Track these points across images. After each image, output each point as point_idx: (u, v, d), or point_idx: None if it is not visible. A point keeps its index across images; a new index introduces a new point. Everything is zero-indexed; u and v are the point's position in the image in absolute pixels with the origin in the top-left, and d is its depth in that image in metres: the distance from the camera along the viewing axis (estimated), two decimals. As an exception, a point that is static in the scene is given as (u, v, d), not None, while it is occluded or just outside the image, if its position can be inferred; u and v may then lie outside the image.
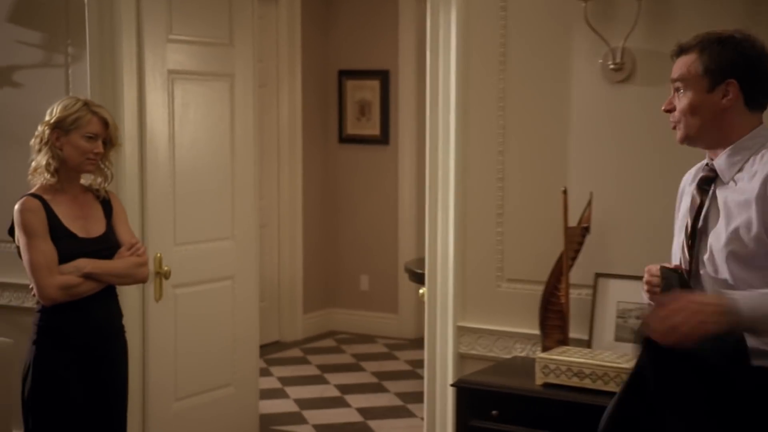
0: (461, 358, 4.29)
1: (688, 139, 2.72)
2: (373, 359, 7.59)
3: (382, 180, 8.29)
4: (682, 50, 2.72)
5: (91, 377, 3.70)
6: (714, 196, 2.67)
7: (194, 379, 5.35)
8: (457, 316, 4.29)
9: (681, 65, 2.70)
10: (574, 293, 3.93)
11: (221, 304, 5.53)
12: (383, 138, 8.25)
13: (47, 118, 3.73)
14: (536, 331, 4.02)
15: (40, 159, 3.69)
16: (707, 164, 2.74)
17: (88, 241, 3.70)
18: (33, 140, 3.74)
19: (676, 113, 2.71)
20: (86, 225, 3.73)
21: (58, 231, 3.64)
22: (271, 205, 8.03)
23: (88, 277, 3.63)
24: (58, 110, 3.71)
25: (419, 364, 7.37)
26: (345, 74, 8.35)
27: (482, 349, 4.24)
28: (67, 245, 3.64)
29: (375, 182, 8.32)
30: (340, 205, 8.45)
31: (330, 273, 8.49)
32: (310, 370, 7.27)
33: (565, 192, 3.84)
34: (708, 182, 2.70)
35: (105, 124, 3.74)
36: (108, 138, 3.76)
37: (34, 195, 3.68)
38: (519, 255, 4.16)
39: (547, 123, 4.06)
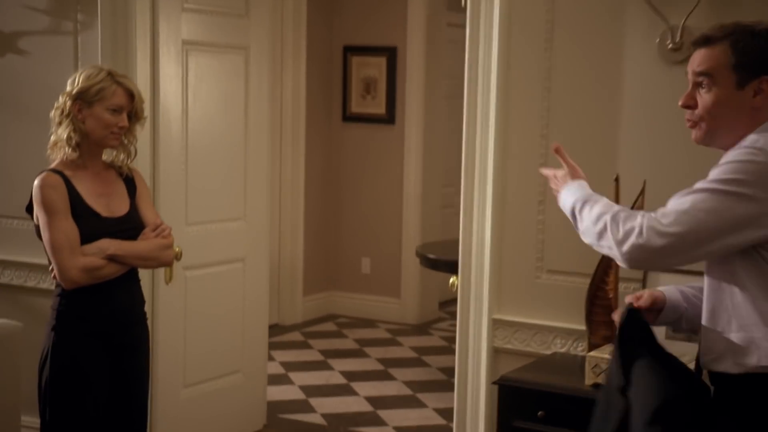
0: (495, 353, 4.07)
1: (708, 140, 2.54)
2: (377, 345, 7.36)
3: (387, 161, 8.04)
4: (708, 40, 2.50)
5: (112, 366, 3.46)
6: None
7: (203, 365, 5.12)
8: (493, 308, 4.07)
9: (706, 57, 2.48)
10: (622, 287, 3.70)
11: (231, 287, 5.29)
12: (389, 117, 7.99)
13: (68, 88, 3.47)
14: (577, 326, 3.80)
15: (61, 132, 3.43)
16: None
17: (112, 220, 3.45)
18: (53, 112, 3.48)
19: (698, 110, 2.50)
20: (109, 203, 3.47)
21: (80, 209, 3.39)
22: (271, 185, 7.76)
23: (111, 259, 3.38)
24: (80, 80, 3.45)
25: (425, 351, 7.19)
26: (350, 50, 8.08)
27: (519, 344, 4.01)
28: (90, 224, 3.39)
29: (379, 163, 8.07)
30: (343, 185, 8.20)
31: (331, 255, 8.24)
32: (312, 355, 7.04)
33: (617, 180, 3.60)
34: None
35: (131, 95, 3.49)
36: (133, 111, 3.50)
37: (54, 170, 3.42)
38: (561, 245, 3.92)
39: (596, 106, 3.82)
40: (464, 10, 4.15)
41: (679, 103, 2.54)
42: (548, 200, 3.93)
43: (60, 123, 3.44)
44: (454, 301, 8.51)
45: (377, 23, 7.98)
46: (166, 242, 3.51)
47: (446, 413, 5.84)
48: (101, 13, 4.64)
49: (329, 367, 6.75)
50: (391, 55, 7.93)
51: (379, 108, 8.02)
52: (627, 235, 2.42)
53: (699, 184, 2.42)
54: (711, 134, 2.51)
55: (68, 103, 3.42)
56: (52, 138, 3.47)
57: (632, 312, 2.63)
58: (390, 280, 8.11)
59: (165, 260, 3.55)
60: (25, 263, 4.92)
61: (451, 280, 4.29)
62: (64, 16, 4.87)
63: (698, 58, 2.49)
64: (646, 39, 3.70)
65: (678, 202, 2.42)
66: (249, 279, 5.38)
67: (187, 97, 4.93)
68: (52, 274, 3.41)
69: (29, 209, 3.46)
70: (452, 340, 7.57)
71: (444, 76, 8.18)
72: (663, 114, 3.70)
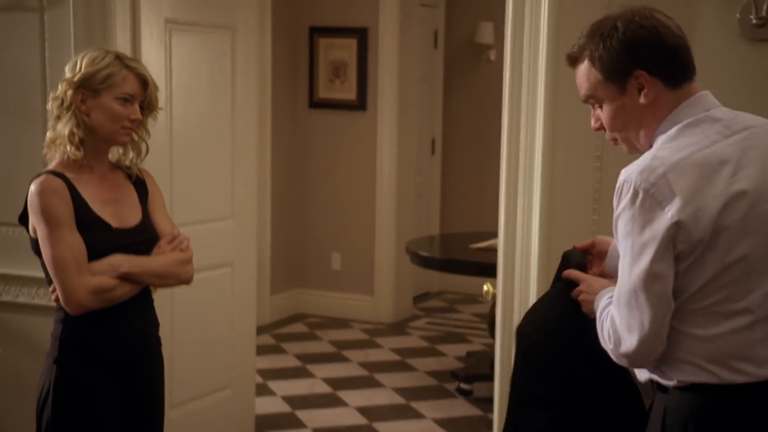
0: (543, 368, 3.60)
1: (635, 149, 2.40)
2: (355, 347, 6.86)
3: (358, 149, 7.53)
4: (573, 61, 2.40)
5: (126, 401, 2.92)
6: None
7: (190, 383, 4.59)
8: (540, 319, 3.59)
9: (580, 79, 2.38)
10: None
11: (219, 295, 4.76)
12: (360, 103, 7.48)
13: (68, 74, 2.90)
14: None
15: (61, 128, 2.86)
16: None
17: (123, 232, 2.90)
18: (50, 103, 2.92)
19: (607, 131, 2.40)
20: (119, 211, 2.92)
21: (86, 219, 2.84)
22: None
23: (125, 278, 2.83)
24: (83, 64, 2.88)
25: (407, 353, 6.72)
26: (317, 31, 7.54)
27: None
28: (99, 237, 2.84)
29: (349, 151, 7.56)
30: (311, 176, 7.67)
31: (298, 251, 7.71)
32: (289, 361, 6.52)
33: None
34: None
35: (143, 82, 2.94)
36: (146, 101, 2.96)
37: (54, 173, 2.86)
38: (619, 247, 3.46)
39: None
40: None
41: (591, 127, 2.44)
42: (604, 198, 3.48)
43: (59, 117, 2.88)
44: (427, 296, 8.21)
45: (346, 2, 7.45)
46: (185, 256, 2.98)
47: (448, 424, 5.39)
48: (74, -14, 4.07)
49: (309, 374, 6.24)
50: (361, 36, 7.40)
51: (350, 93, 7.50)
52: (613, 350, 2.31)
53: (620, 273, 2.27)
54: (632, 144, 2.39)
55: (69, 93, 2.86)
56: (49, 134, 2.91)
57: (566, 254, 2.72)
58: (362, 276, 7.61)
59: (184, 277, 3.01)
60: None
61: (485, 288, 3.78)
62: (27, -9, 4.28)
63: (577, 81, 2.40)
64: (724, 12, 3.26)
65: (618, 315, 2.26)
66: (237, 285, 4.86)
67: (171, 82, 4.39)
68: (54, 296, 2.86)
69: (23, 219, 2.90)
70: (433, 339, 7.20)
71: (417, 59, 7.70)
72: (744, 96, 3.23)
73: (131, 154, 3.00)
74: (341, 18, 7.46)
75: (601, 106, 2.36)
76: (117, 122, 2.88)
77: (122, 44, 4.12)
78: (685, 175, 2.19)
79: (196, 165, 4.56)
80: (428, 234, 8.15)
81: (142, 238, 2.93)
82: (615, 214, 2.28)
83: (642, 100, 2.29)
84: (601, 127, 2.41)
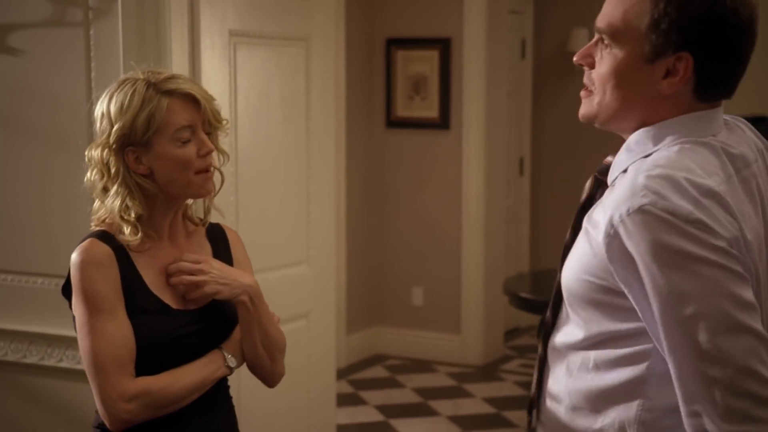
0: None
1: (597, 119, 1.83)
2: (442, 396, 6.13)
3: (441, 172, 6.81)
4: None
5: None
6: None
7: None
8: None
9: (615, 6, 1.75)
10: None
11: (293, 351, 4.06)
12: (442, 121, 6.75)
13: (102, 136, 2.19)
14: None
15: (113, 203, 2.17)
16: None
17: (187, 315, 2.22)
18: (90, 174, 2.22)
19: (594, 74, 1.80)
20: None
21: (140, 299, 2.16)
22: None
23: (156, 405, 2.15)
24: (113, 112, 2.16)
25: (502, 403, 5.98)
26: (395, 43, 6.84)
27: None
28: (153, 324, 2.16)
29: (432, 175, 6.84)
30: (389, 202, 6.96)
31: (376, 285, 7.00)
32: (370, 414, 5.80)
33: None
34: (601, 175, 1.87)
35: (194, 101, 2.22)
36: (206, 121, 2.25)
37: (103, 235, 2.18)
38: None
39: None
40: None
41: (575, 58, 1.85)
42: None
43: (106, 189, 2.19)
44: (517, 332, 7.44)
45: (426, 11, 6.73)
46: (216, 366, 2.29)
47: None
48: (122, -6, 3.42)
49: (394, 431, 5.52)
50: (444, 48, 6.68)
51: (431, 111, 6.78)
52: None
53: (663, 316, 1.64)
54: (601, 114, 1.81)
55: (112, 160, 2.17)
56: (97, 209, 2.23)
57: None
58: (447, 312, 6.87)
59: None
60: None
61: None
62: (69, 1, 3.63)
63: (609, 6, 1.78)
64: None
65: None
66: (315, 338, 4.18)
67: (236, 104, 3.74)
68: (97, 407, 2.15)
69: (66, 290, 2.22)
70: (529, 386, 6.39)
71: (505, 71, 6.97)
72: None
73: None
74: (421, 28, 6.76)
75: (606, 48, 1.77)
76: (188, 168, 2.18)
77: (179, 61, 3.48)
78: None
79: (265, 201, 3.90)
80: (518, 262, 7.41)
81: (213, 321, 2.25)
82: None
83: (661, 86, 1.73)
84: (584, 64, 1.83)
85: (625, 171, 1.76)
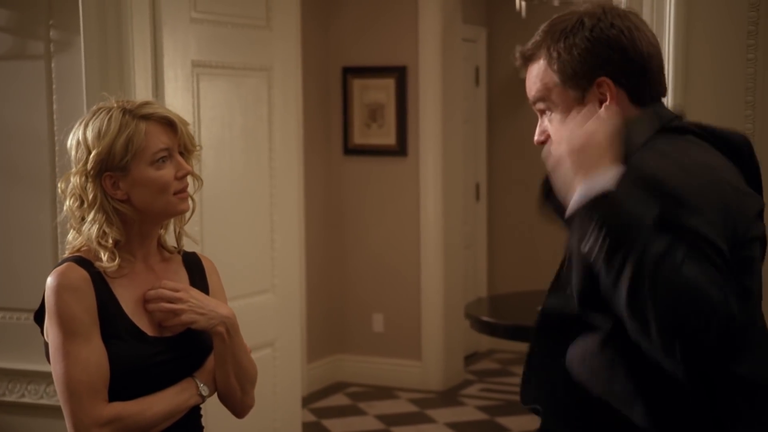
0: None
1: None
2: (405, 422, 6.14)
3: (399, 199, 6.85)
4: (525, 59, 1.99)
5: None
6: None
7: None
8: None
9: (532, 80, 1.97)
10: None
11: (261, 379, 4.05)
12: (400, 148, 6.79)
13: (78, 164, 2.20)
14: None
15: (90, 229, 2.18)
16: None
17: (162, 342, 2.22)
18: (68, 202, 2.22)
19: (552, 145, 1.94)
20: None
21: (116, 324, 2.17)
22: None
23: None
24: (90, 138, 2.18)
25: (464, 428, 5.99)
26: (351, 72, 6.88)
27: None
28: (127, 351, 2.16)
29: (390, 202, 6.87)
30: (347, 229, 6.98)
31: (336, 312, 7.01)
32: (333, 442, 5.80)
33: None
34: None
35: (170, 124, 2.24)
36: (181, 145, 2.27)
37: (79, 260, 2.18)
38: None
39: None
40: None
41: (534, 139, 2.00)
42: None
43: (82, 218, 2.20)
44: (476, 357, 7.46)
45: (382, 40, 6.79)
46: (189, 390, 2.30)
47: None
48: (84, 27, 3.44)
49: (358, 458, 5.53)
50: (400, 76, 6.74)
51: (388, 138, 6.82)
52: None
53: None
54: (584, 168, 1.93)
55: (89, 186, 2.18)
56: (72, 238, 2.24)
57: None
58: (408, 338, 6.89)
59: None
60: None
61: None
62: (30, 35, 3.65)
63: (528, 83, 2.00)
64: None
65: None
66: (280, 367, 4.18)
67: (199, 132, 3.75)
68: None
69: (39, 317, 2.22)
70: (492, 410, 6.46)
71: (461, 99, 7.03)
72: None
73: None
74: (377, 56, 6.81)
75: (548, 115, 1.96)
76: (166, 191, 2.20)
77: (142, 93, 3.49)
78: None
79: (230, 230, 3.90)
80: (477, 287, 7.44)
81: (187, 349, 2.25)
82: None
83: (605, 113, 1.88)
84: (546, 141, 1.98)
85: None
